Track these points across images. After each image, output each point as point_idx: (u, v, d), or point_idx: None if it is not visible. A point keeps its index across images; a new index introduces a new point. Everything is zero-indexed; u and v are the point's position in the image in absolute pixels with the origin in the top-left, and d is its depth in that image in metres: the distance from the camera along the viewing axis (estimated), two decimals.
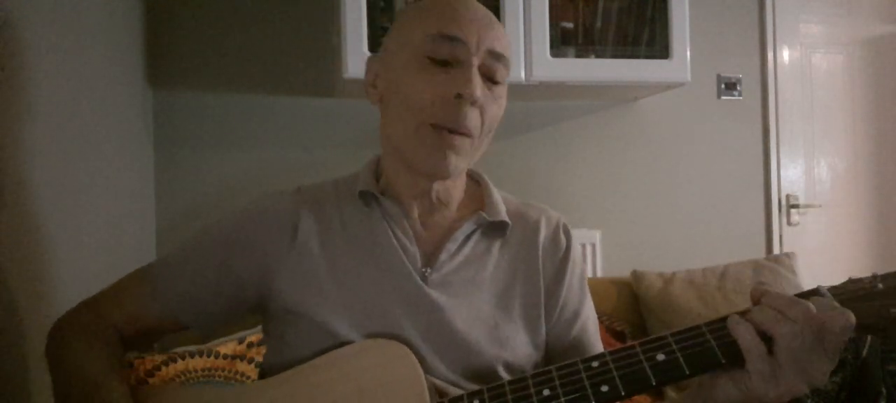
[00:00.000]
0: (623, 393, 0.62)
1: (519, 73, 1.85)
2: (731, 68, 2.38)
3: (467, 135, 0.77)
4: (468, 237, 0.83)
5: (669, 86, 2.08)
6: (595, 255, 2.20)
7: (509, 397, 0.65)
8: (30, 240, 0.99)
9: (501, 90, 0.81)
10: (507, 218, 0.85)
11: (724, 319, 0.63)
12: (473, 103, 0.75)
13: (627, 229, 2.28)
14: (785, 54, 2.45)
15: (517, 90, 1.95)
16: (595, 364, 0.63)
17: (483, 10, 0.80)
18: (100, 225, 1.36)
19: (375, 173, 0.87)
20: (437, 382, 0.74)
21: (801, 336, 0.57)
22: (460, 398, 0.68)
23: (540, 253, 0.85)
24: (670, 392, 1.62)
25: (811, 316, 0.57)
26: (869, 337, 1.29)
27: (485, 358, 0.77)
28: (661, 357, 0.61)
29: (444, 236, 0.83)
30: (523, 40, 1.85)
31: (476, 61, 0.76)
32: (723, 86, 2.37)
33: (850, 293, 0.61)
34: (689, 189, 2.34)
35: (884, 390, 1.21)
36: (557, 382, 0.63)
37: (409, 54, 0.78)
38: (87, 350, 0.78)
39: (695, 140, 2.35)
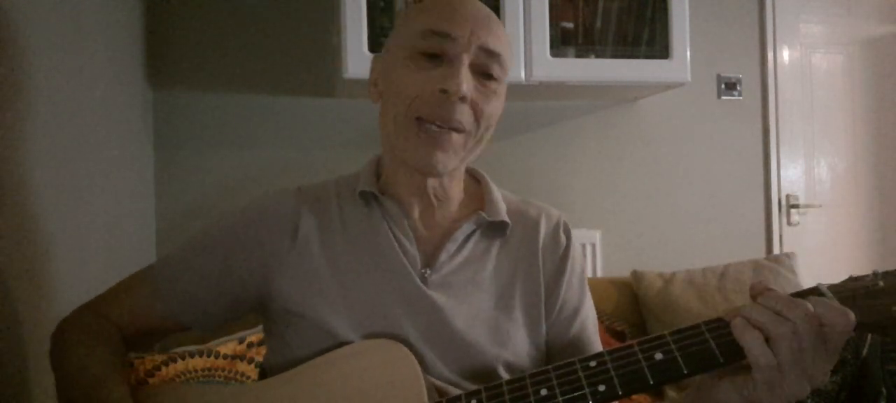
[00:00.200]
0: (621, 393, 0.61)
1: (519, 73, 1.85)
2: (731, 68, 2.38)
3: (457, 130, 0.76)
4: (468, 237, 0.83)
5: (669, 86, 2.08)
6: (595, 255, 2.20)
7: (507, 397, 0.65)
8: (30, 240, 0.99)
9: (497, 86, 0.80)
10: (506, 218, 0.85)
11: (722, 318, 0.62)
12: (462, 99, 0.75)
13: (627, 229, 2.28)
14: (785, 54, 2.45)
15: (517, 90, 1.95)
16: (593, 363, 0.63)
17: (481, 8, 0.80)
18: (100, 225, 1.36)
19: (376, 172, 0.87)
20: (437, 382, 0.74)
21: (801, 337, 0.57)
22: (458, 397, 0.68)
23: (540, 251, 0.85)
24: (670, 392, 1.62)
25: (810, 316, 0.57)
26: (869, 337, 1.29)
27: (485, 359, 0.77)
28: (659, 356, 0.61)
29: (444, 236, 0.82)
30: (523, 40, 1.85)
31: (466, 58, 0.76)
32: (723, 86, 2.37)
33: (850, 291, 0.60)
34: (689, 189, 2.34)
35: (884, 390, 1.21)
36: (555, 381, 0.63)
37: (404, 51, 0.78)
38: (89, 350, 0.78)
39: (695, 140, 2.35)
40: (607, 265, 2.22)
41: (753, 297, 0.63)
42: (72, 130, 1.19)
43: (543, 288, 0.83)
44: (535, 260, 0.84)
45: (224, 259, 0.82)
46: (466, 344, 0.77)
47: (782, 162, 2.45)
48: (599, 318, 1.77)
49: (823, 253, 2.49)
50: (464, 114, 0.76)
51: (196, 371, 1.31)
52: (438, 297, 0.78)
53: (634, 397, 1.49)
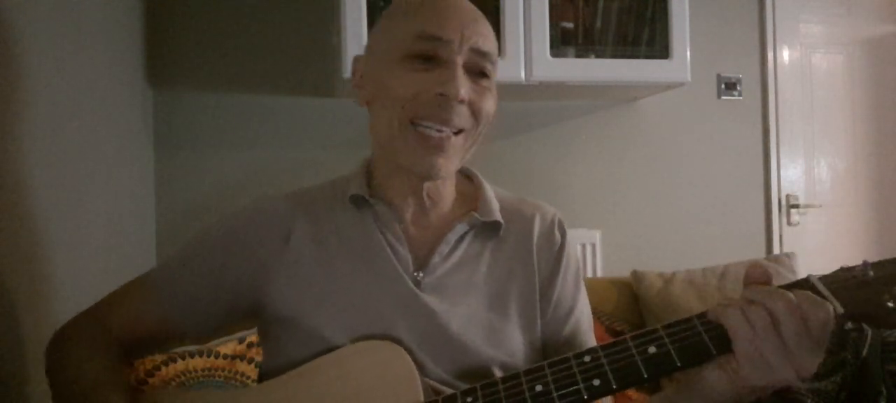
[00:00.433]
0: (615, 387, 0.62)
1: (519, 73, 1.85)
2: (731, 68, 2.38)
3: (457, 131, 0.76)
4: (461, 238, 0.83)
5: (669, 86, 2.08)
6: (595, 255, 2.20)
7: (502, 394, 0.65)
8: (30, 240, 0.99)
9: (490, 83, 0.80)
10: (500, 218, 0.84)
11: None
12: (461, 101, 0.75)
13: (627, 229, 2.28)
14: (785, 54, 2.45)
15: (517, 90, 1.95)
16: (587, 358, 0.64)
17: (467, 7, 0.79)
18: (100, 225, 1.36)
19: (367, 175, 0.86)
20: (434, 384, 0.73)
21: (781, 325, 0.57)
22: (454, 396, 0.68)
23: (534, 250, 0.84)
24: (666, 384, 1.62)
25: (792, 307, 0.57)
26: (869, 337, 1.28)
27: (480, 360, 0.76)
28: (652, 350, 0.62)
29: (437, 238, 0.82)
30: (523, 40, 1.85)
31: (460, 59, 0.76)
32: (723, 86, 2.37)
33: (841, 282, 0.61)
34: (689, 189, 2.34)
35: (884, 390, 1.20)
36: (550, 378, 0.64)
37: (394, 54, 0.77)
38: (87, 357, 0.78)
39: (695, 140, 2.35)
40: (607, 265, 2.22)
41: (745, 285, 0.64)
42: (72, 130, 1.19)
43: (538, 287, 0.83)
44: (530, 259, 0.84)
45: (218, 265, 0.82)
46: (461, 347, 0.76)
47: (782, 162, 2.45)
48: (599, 318, 1.77)
49: (823, 253, 2.49)
50: (462, 116, 0.76)
51: (196, 371, 1.31)
52: (432, 300, 0.78)
53: (633, 394, 1.49)
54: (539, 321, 0.83)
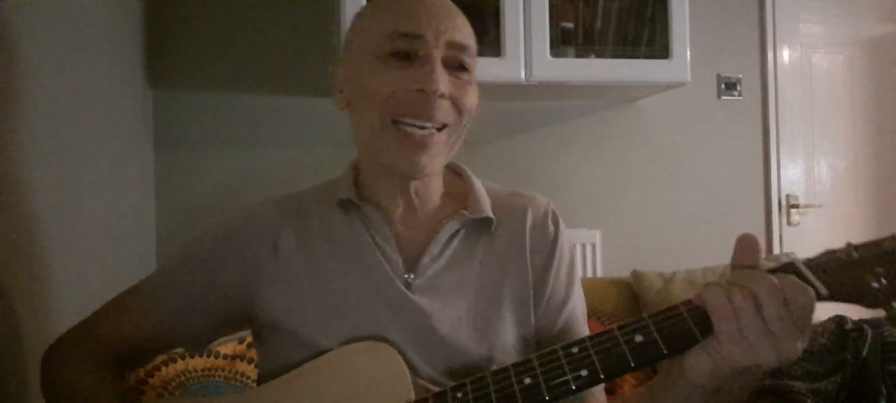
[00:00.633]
0: (602, 376, 0.62)
1: (519, 73, 1.85)
2: (731, 68, 2.38)
3: (440, 126, 0.76)
4: (452, 237, 0.82)
5: (669, 86, 2.08)
6: (595, 255, 2.20)
7: (491, 388, 0.65)
8: (29, 241, 0.99)
9: (471, 77, 0.79)
10: (491, 214, 0.83)
11: None
12: (441, 96, 0.74)
13: (627, 229, 2.28)
14: (785, 54, 2.45)
15: (517, 90, 1.95)
16: (575, 349, 0.64)
17: (443, 2, 0.79)
18: (100, 225, 1.36)
19: (354, 178, 0.85)
20: (426, 384, 0.73)
21: (763, 307, 0.57)
22: (444, 392, 0.67)
23: (527, 244, 0.83)
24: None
25: (775, 291, 0.57)
26: (869, 337, 1.29)
27: (474, 360, 0.76)
28: (639, 338, 0.62)
29: (427, 238, 0.81)
30: (523, 40, 1.85)
31: (437, 54, 0.75)
32: (723, 86, 2.37)
33: (825, 264, 0.61)
34: (689, 189, 2.34)
35: (884, 390, 1.21)
36: (538, 370, 0.64)
37: (370, 54, 0.77)
38: (80, 372, 0.79)
39: (695, 140, 2.35)
40: (607, 265, 2.22)
41: (733, 267, 0.64)
42: (72, 130, 1.19)
43: (532, 281, 0.82)
44: (523, 253, 0.83)
45: (207, 274, 0.82)
46: (453, 347, 0.76)
47: (782, 162, 2.45)
48: (600, 318, 1.77)
49: None
50: (444, 111, 0.75)
51: (196, 371, 1.31)
52: (423, 302, 0.77)
53: (629, 377, 1.49)
54: (533, 315, 0.82)
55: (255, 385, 0.89)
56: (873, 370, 1.23)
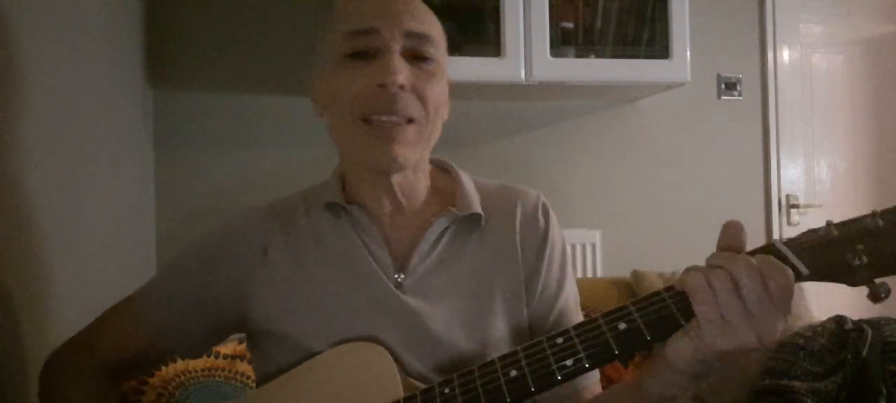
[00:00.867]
0: (587, 366, 0.62)
1: (519, 73, 1.85)
2: (731, 68, 2.38)
3: (407, 120, 0.75)
4: (441, 235, 0.81)
5: (669, 86, 2.08)
6: (595, 255, 2.20)
7: (478, 382, 0.65)
8: (29, 241, 0.99)
9: (436, 68, 0.78)
10: (479, 210, 0.82)
11: None
12: (401, 87, 0.74)
13: (627, 229, 2.28)
14: (785, 54, 2.45)
15: (517, 90, 1.95)
16: (560, 340, 0.64)
17: None
18: (100, 225, 1.36)
19: (341, 181, 0.85)
20: (418, 383, 0.73)
21: (742, 288, 0.57)
22: (431, 388, 0.68)
23: (518, 239, 0.83)
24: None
25: (753, 271, 0.57)
26: (869, 337, 1.29)
27: (465, 357, 0.76)
28: (622, 326, 0.62)
29: (416, 237, 0.81)
30: (523, 40, 1.85)
31: (396, 46, 0.74)
32: (723, 86, 2.37)
33: (806, 244, 0.61)
34: (689, 189, 2.34)
35: (884, 390, 1.20)
36: (524, 362, 0.64)
37: (333, 58, 0.77)
38: (77, 384, 0.79)
39: (695, 140, 2.35)
40: (607, 265, 2.22)
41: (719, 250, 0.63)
42: (71, 130, 1.19)
43: (524, 276, 0.82)
44: (514, 248, 0.83)
45: (199, 285, 0.82)
46: (445, 345, 0.76)
47: (782, 162, 2.45)
48: None
49: None
50: (409, 103, 0.75)
51: (196, 370, 1.31)
52: (414, 302, 0.77)
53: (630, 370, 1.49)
54: (525, 309, 0.82)
55: (254, 385, 0.89)
56: (873, 370, 1.23)
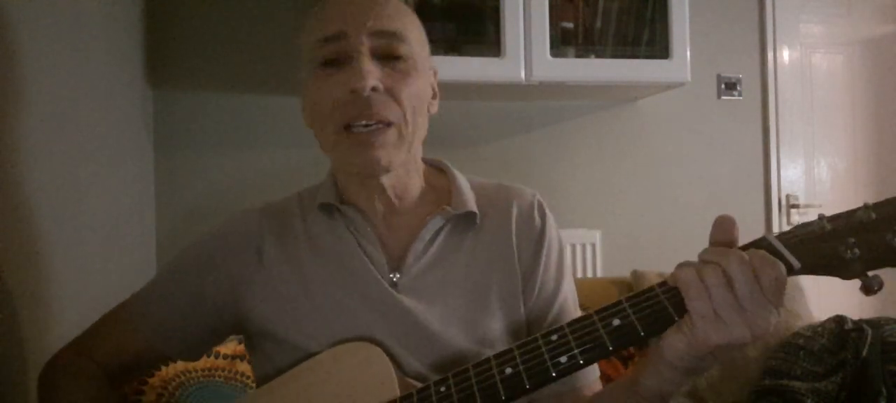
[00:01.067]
0: (582, 362, 0.62)
1: (519, 73, 1.85)
2: (731, 68, 2.38)
3: (385, 123, 0.74)
4: (436, 234, 0.81)
5: (669, 86, 2.08)
6: (595, 255, 2.20)
7: (473, 380, 0.65)
8: (29, 240, 0.99)
9: (409, 66, 0.76)
10: (474, 208, 0.82)
11: None
12: (375, 90, 0.73)
13: (627, 229, 2.28)
14: (785, 54, 2.45)
15: (517, 90, 1.95)
16: (554, 337, 0.64)
17: None
18: (100, 225, 1.36)
19: (335, 182, 0.85)
20: (414, 383, 0.73)
21: (734, 282, 0.56)
22: (427, 387, 0.68)
23: (514, 237, 0.83)
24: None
25: (744, 265, 0.57)
26: (869, 337, 1.29)
27: (462, 356, 0.76)
28: (616, 322, 0.62)
29: (411, 236, 0.81)
30: (523, 40, 1.85)
31: (364, 48, 0.73)
32: (723, 86, 2.37)
33: (798, 237, 0.60)
34: (689, 189, 2.34)
35: (884, 390, 1.21)
36: (519, 359, 0.64)
37: (309, 69, 0.77)
38: (72, 389, 0.79)
39: (695, 140, 2.35)
40: (607, 265, 2.22)
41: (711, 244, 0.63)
42: (71, 130, 1.19)
43: (520, 274, 0.82)
44: (510, 246, 0.82)
45: (194, 287, 0.82)
46: (441, 344, 0.76)
47: (782, 162, 2.45)
48: None
49: None
50: (384, 105, 0.74)
51: (196, 371, 1.31)
52: (410, 301, 0.77)
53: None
54: (522, 308, 0.82)
55: (254, 386, 0.90)
56: (873, 370, 1.23)
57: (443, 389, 0.66)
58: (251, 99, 2.00)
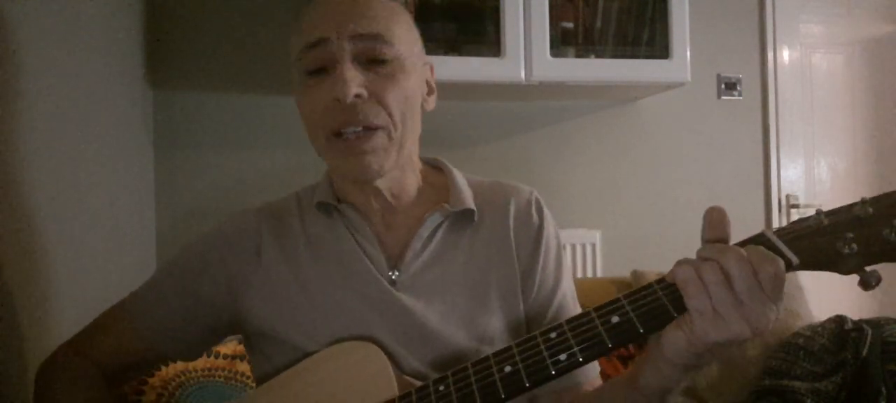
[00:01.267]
0: (581, 360, 0.62)
1: (519, 73, 1.85)
2: (731, 68, 2.38)
3: (372, 129, 0.74)
4: (434, 232, 0.81)
5: (669, 86, 2.08)
6: (595, 255, 2.20)
7: (473, 378, 0.65)
8: (29, 241, 0.99)
9: (394, 68, 0.75)
10: (472, 205, 0.82)
11: None
12: (359, 97, 0.72)
13: (627, 229, 2.28)
14: (785, 54, 2.45)
15: (517, 90, 1.95)
16: (553, 334, 0.64)
17: None
18: (100, 225, 1.36)
19: (332, 181, 0.86)
20: (414, 381, 0.73)
21: (733, 279, 0.56)
22: (426, 386, 0.68)
23: (512, 234, 0.83)
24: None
25: (743, 262, 0.57)
26: (869, 337, 1.29)
27: (462, 353, 0.76)
28: (615, 319, 0.62)
29: (409, 235, 0.81)
30: (523, 40, 1.85)
31: (345, 55, 0.73)
32: (723, 86, 2.37)
33: (796, 233, 0.60)
34: (689, 189, 2.34)
35: (884, 390, 1.21)
36: (518, 357, 0.64)
37: (296, 77, 0.77)
38: (69, 388, 0.79)
39: (695, 140, 2.35)
40: (607, 265, 2.22)
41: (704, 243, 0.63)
42: (71, 130, 1.19)
43: (519, 271, 0.82)
44: (508, 243, 0.83)
45: (192, 287, 0.82)
46: (441, 342, 0.76)
47: (782, 162, 2.45)
48: None
49: None
50: (370, 111, 0.73)
51: (196, 370, 1.31)
52: (409, 299, 0.77)
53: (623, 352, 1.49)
54: (522, 305, 0.82)
55: (254, 386, 0.90)
56: (873, 370, 1.23)
57: (442, 388, 0.66)
58: (251, 99, 2.00)
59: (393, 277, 0.79)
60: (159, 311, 0.82)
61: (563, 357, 0.62)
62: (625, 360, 1.52)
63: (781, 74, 2.44)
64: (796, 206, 2.46)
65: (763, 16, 2.41)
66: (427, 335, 0.76)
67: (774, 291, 0.57)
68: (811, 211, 0.63)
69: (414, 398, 0.67)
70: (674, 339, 0.60)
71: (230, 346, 1.37)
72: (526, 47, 1.85)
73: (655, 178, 2.31)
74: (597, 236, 2.21)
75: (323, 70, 0.74)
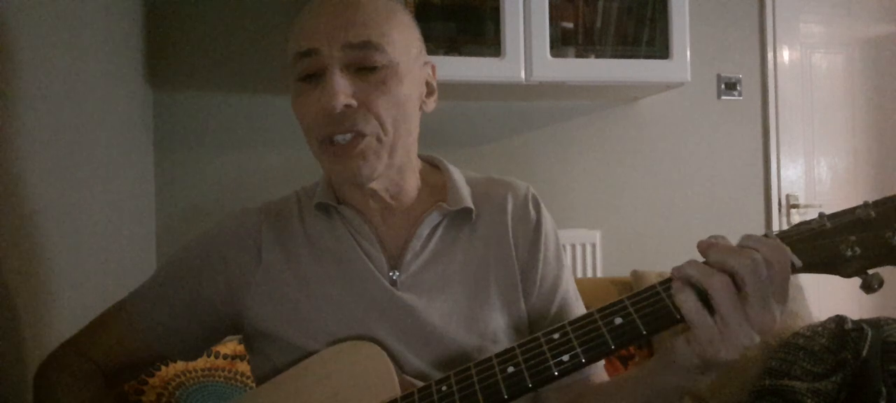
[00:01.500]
0: (584, 361, 0.62)
1: (519, 73, 1.85)
2: (731, 68, 2.38)
3: (361, 135, 0.74)
4: (433, 231, 0.82)
5: (669, 86, 2.08)
6: (595, 255, 2.20)
7: (475, 379, 0.65)
8: (29, 240, 0.99)
9: (385, 74, 0.74)
10: (470, 204, 0.82)
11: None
12: (347, 107, 0.72)
13: (627, 229, 2.28)
14: (785, 54, 2.45)
15: (517, 90, 1.95)
16: (556, 335, 0.64)
17: (336, 5, 0.75)
18: (100, 225, 1.36)
19: (330, 182, 0.85)
20: (415, 381, 0.73)
21: (742, 282, 0.57)
22: (428, 386, 0.68)
23: (510, 230, 0.83)
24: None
25: (751, 260, 0.57)
26: (869, 337, 1.28)
27: (464, 351, 0.76)
28: (618, 321, 0.62)
29: (408, 234, 0.81)
30: (523, 40, 1.85)
31: (335, 64, 0.72)
32: (723, 86, 2.37)
33: (798, 235, 0.61)
34: (689, 189, 2.34)
35: (884, 390, 1.20)
36: (520, 358, 0.64)
37: (292, 83, 0.78)
38: (69, 387, 0.79)
39: (695, 140, 2.35)
40: (607, 265, 2.22)
41: (701, 252, 0.63)
42: (71, 130, 1.19)
43: (518, 268, 0.82)
44: (506, 239, 0.83)
45: (192, 286, 0.82)
46: (443, 340, 0.76)
47: (782, 162, 2.45)
48: None
49: None
50: (359, 119, 0.73)
51: (196, 371, 1.31)
52: (410, 298, 0.77)
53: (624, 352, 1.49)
54: (523, 302, 0.82)
55: (254, 386, 0.90)
56: (873, 370, 1.23)
57: (444, 388, 0.66)
58: (251, 99, 2.00)
59: (393, 277, 0.79)
60: (159, 310, 0.82)
61: (565, 358, 0.62)
62: (625, 360, 1.52)
63: (781, 74, 2.44)
64: (796, 206, 2.46)
65: (763, 16, 2.41)
66: (428, 334, 0.76)
67: (781, 288, 0.57)
68: (811, 211, 0.63)
69: (416, 398, 0.67)
70: (685, 352, 0.60)
71: (230, 346, 1.37)
72: (526, 47, 1.85)
73: (655, 178, 2.31)
74: (597, 236, 2.21)
75: (315, 77, 0.75)
